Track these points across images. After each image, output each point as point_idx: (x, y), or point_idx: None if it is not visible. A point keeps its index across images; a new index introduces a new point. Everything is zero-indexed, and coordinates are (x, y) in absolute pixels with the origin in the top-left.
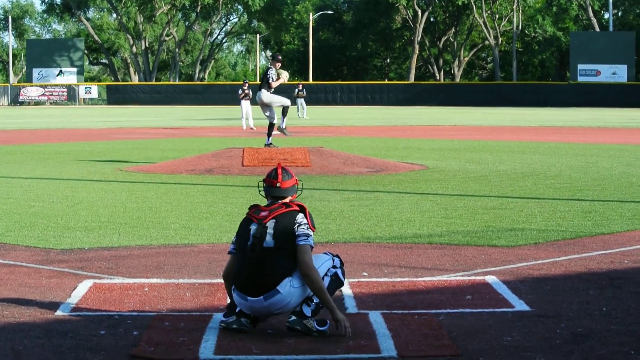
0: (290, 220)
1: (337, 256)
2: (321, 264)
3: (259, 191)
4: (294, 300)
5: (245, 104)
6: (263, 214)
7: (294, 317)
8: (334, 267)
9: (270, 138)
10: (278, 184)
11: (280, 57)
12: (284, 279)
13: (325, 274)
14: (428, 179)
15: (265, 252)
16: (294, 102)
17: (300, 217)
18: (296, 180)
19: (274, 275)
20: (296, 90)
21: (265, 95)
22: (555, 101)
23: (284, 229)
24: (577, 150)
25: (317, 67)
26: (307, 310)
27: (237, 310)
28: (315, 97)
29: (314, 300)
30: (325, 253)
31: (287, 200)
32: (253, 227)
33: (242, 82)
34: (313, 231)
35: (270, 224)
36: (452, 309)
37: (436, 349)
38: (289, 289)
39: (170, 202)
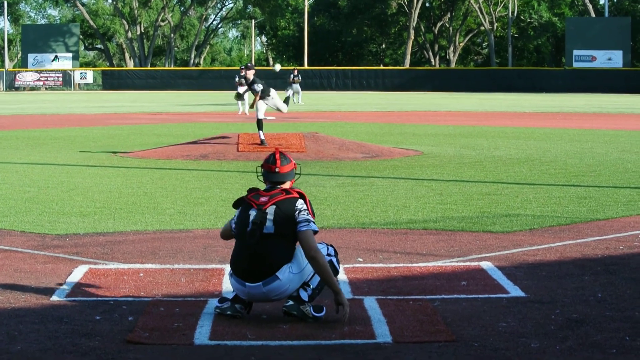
0: (290, 207)
1: (331, 245)
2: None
3: (257, 176)
4: (292, 286)
5: (242, 89)
6: (263, 199)
7: (291, 302)
8: (329, 254)
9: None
10: (277, 169)
11: (250, 65)
12: (283, 265)
13: (305, 289)
14: (423, 165)
15: (264, 238)
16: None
17: (300, 204)
18: (294, 164)
19: (274, 261)
20: (291, 75)
21: (268, 101)
22: (551, 87)
23: (284, 215)
24: (573, 136)
25: (313, 53)
26: (304, 295)
27: (232, 296)
28: (310, 83)
29: (311, 286)
30: (320, 242)
31: (286, 185)
32: (253, 213)
33: (239, 68)
34: (313, 218)
35: (270, 210)
36: (447, 294)
37: (431, 335)
38: (288, 274)
39: (166, 187)
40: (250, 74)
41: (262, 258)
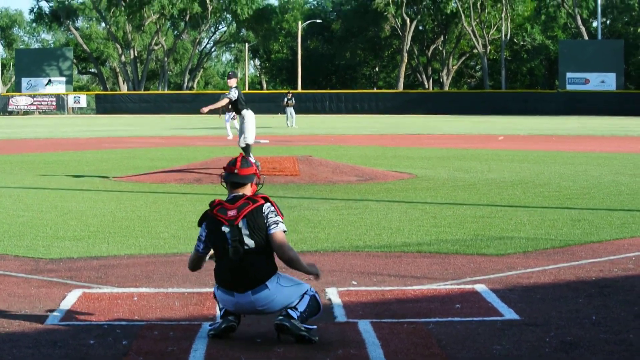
0: (260, 216)
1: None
2: (301, 284)
3: (221, 182)
4: (279, 298)
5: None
6: (231, 213)
7: (281, 317)
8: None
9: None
10: (236, 170)
11: (232, 73)
12: (271, 275)
13: (305, 293)
14: (417, 188)
15: (247, 253)
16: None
17: (266, 207)
18: (256, 171)
19: (260, 272)
20: (285, 99)
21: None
22: (544, 109)
23: (258, 227)
24: (566, 159)
25: (306, 76)
26: (293, 314)
27: (222, 312)
28: (304, 106)
29: (299, 309)
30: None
31: (247, 190)
32: (227, 230)
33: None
34: (282, 218)
35: (243, 225)
36: (442, 317)
37: (425, 358)
38: (276, 285)
39: (160, 211)
40: (233, 82)
41: (247, 271)
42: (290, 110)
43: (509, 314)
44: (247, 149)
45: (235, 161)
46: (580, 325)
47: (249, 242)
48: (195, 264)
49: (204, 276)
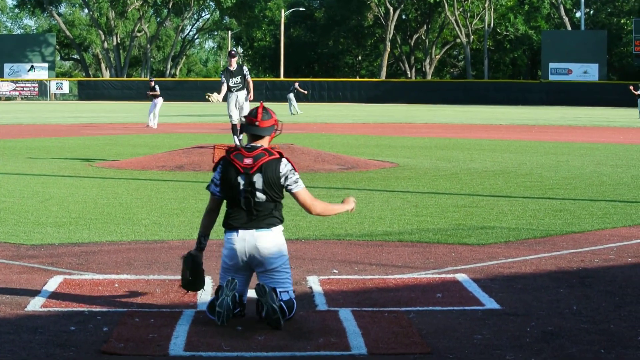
0: (275, 170)
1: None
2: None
3: (240, 132)
4: (276, 250)
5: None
6: (247, 161)
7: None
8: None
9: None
10: (257, 122)
11: (233, 52)
12: (276, 225)
13: (287, 291)
14: (399, 177)
15: (257, 204)
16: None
17: (284, 165)
18: (276, 120)
19: (270, 220)
20: (291, 88)
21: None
22: (527, 99)
23: (271, 180)
24: (548, 149)
25: (289, 64)
26: (281, 295)
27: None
28: (286, 94)
29: (281, 297)
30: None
31: (265, 141)
32: (241, 180)
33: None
34: (298, 173)
35: (258, 178)
36: (422, 306)
37: (406, 347)
38: (279, 233)
39: (141, 198)
40: (234, 62)
41: (258, 217)
42: (292, 98)
43: (490, 303)
44: (234, 128)
45: (256, 112)
46: (561, 315)
47: (260, 197)
48: (214, 208)
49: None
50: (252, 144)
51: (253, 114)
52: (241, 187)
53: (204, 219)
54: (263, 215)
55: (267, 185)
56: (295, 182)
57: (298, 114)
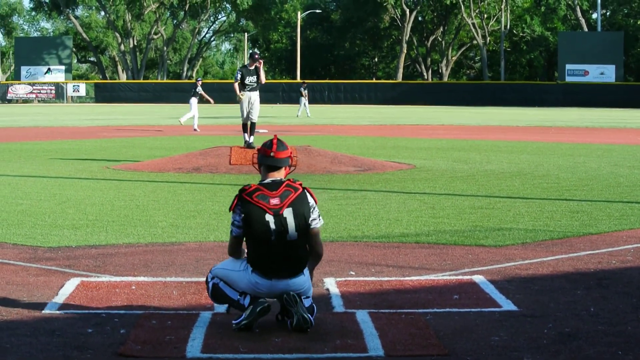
0: (305, 206)
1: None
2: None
3: (252, 163)
4: (307, 285)
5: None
6: (274, 201)
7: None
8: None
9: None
10: (272, 154)
11: (256, 55)
12: (306, 263)
13: (309, 297)
14: (415, 178)
15: (289, 244)
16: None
17: (310, 200)
18: (291, 153)
19: (301, 261)
20: (301, 89)
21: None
22: (543, 101)
23: (303, 218)
24: (565, 150)
25: (305, 66)
26: (303, 299)
27: (248, 300)
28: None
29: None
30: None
31: (282, 173)
32: (271, 220)
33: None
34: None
35: (289, 216)
36: (440, 308)
37: (423, 348)
38: (307, 271)
39: (158, 200)
40: (254, 65)
41: (289, 260)
42: (304, 100)
43: (507, 305)
44: (245, 126)
45: (271, 143)
46: (579, 316)
47: (293, 235)
48: (235, 249)
49: (201, 265)
50: (272, 179)
51: (268, 145)
52: (271, 226)
53: (230, 251)
54: (296, 256)
55: (298, 223)
56: (318, 218)
57: (308, 117)
